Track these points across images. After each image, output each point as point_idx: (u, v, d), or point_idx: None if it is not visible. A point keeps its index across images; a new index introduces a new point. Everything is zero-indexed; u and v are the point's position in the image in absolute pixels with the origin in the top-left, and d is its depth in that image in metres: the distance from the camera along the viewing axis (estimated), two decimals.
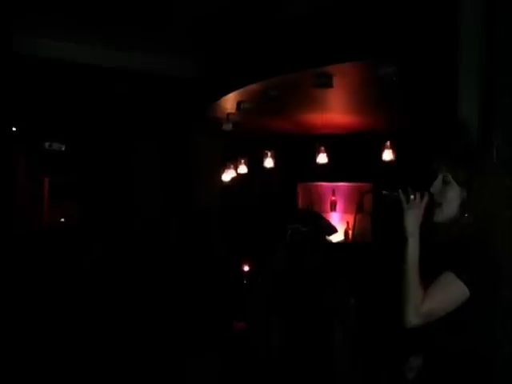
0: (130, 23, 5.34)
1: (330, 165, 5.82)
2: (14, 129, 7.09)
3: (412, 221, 1.82)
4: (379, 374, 4.19)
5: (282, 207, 7.17)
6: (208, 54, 5.98)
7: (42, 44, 5.75)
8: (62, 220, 8.78)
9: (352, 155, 7.05)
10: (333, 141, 5.99)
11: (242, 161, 6.98)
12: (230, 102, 5.75)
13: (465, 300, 1.74)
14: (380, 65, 4.10)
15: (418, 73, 4.32)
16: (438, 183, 1.88)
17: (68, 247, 7.08)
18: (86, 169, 8.43)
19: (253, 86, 5.17)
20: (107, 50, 6.00)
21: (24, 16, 5.19)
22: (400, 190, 1.86)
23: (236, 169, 7.11)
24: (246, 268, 6.52)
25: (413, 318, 1.74)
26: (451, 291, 1.75)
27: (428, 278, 1.78)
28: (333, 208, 7.51)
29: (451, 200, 1.85)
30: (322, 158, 5.78)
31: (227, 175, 7.23)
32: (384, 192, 1.91)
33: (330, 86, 4.68)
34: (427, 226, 1.86)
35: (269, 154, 6.43)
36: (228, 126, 6.19)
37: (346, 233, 7.32)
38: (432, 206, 1.87)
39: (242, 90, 5.33)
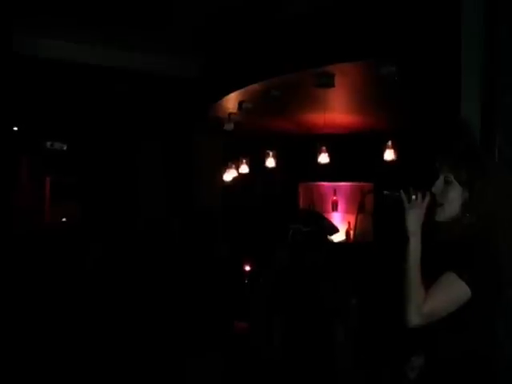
0: (130, 23, 5.34)
1: (332, 165, 5.80)
2: (15, 128, 7.11)
3: (413, 221, 1.82)
4: (381, 374, 4.19)
5: (284, 207, 7.17)
6: (209, 53, 5.99)
7: (42, 44, 5.76)
8: (64, 220, 8.79)
9: (353, 155, 7.06)
10: (334, 141, 5.98)
11: (244, 161, 6.97)
12: (231, 101, 5.76)
13: (466, 300, 1.73)
14: (382, 64, 4.09)
15: (420, 72, 4.32)
16: (439, 183, 1.87)
17: (70, 247, 7.07)
18: (87, 168, 8.44)
19: (254, 86, 5.18)
20: (107, 50, 6.01)
21: (24, 16, 5.20)
22: (401, 190, 1.85)
23: (237, 169, 7.10)
24: (248, 268, 6.51)
25: (414, 317, 1.74)
26: (453, 291, 1.74)
27: (430, 277, 1.78)
28: (334, 208, 7.52)
29: (453, 200, 1.85)
30: (324, 158, 5.76)
31: (229, 175, 7.22)
32: (385, 192, 1.90)
33: (332, 85, 4.68)
34: (429, 225, 1.86)
35: (270, 153, 6.41)
36: (230, 126, 6.19)
37: (347, 233, 7.32)
38: (433, 206, 1.86)
39: (243, 89, 5.34)
